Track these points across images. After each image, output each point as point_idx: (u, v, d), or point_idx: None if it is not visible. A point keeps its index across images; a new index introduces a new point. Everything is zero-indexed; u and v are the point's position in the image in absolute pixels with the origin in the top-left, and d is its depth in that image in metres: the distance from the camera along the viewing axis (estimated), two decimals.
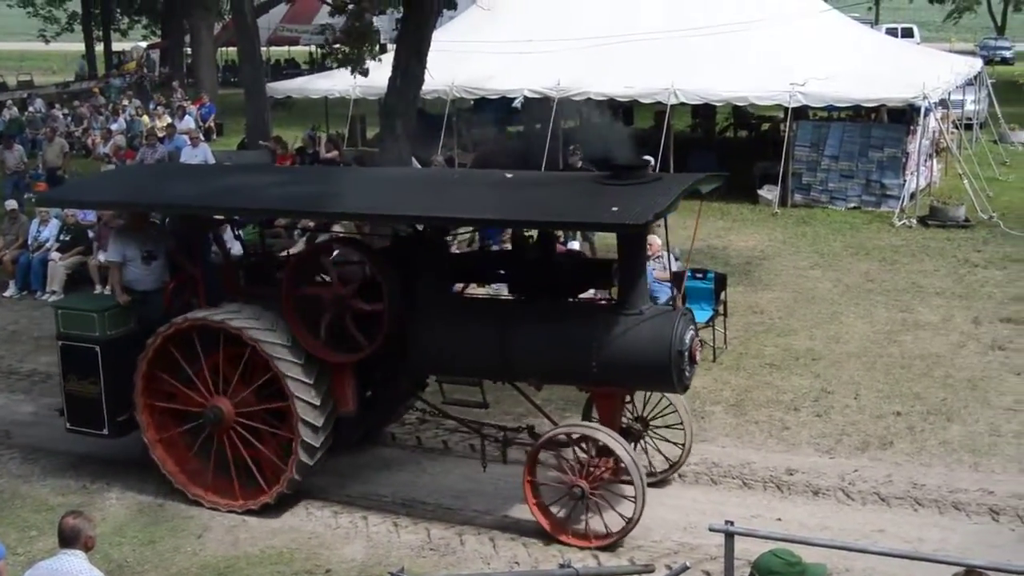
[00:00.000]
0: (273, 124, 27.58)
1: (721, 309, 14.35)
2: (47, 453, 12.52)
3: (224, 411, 10.47)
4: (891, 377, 13.57)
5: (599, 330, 9.63)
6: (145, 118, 31.23)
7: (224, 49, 45.75)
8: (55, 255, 18.81)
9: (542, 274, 10.38)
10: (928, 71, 23.21)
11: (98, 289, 18.33)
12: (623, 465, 9.71)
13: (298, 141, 25.45)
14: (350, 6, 21.10)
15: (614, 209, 9.04)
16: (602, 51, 23.54)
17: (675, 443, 10.96)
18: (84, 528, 7.28)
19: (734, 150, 25.09)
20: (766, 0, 24.64)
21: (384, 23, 22.35)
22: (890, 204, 22.04)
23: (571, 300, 10.60)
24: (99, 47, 56.68)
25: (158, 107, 32.62)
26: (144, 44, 57.63)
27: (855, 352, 14.23)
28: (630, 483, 9.76)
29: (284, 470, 10.38)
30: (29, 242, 19.22)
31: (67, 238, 19.09)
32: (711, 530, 7.94)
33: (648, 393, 10.81)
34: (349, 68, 19.65)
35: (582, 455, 10.00)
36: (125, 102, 34.66)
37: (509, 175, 11.07)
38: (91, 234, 19.05)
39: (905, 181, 22.09)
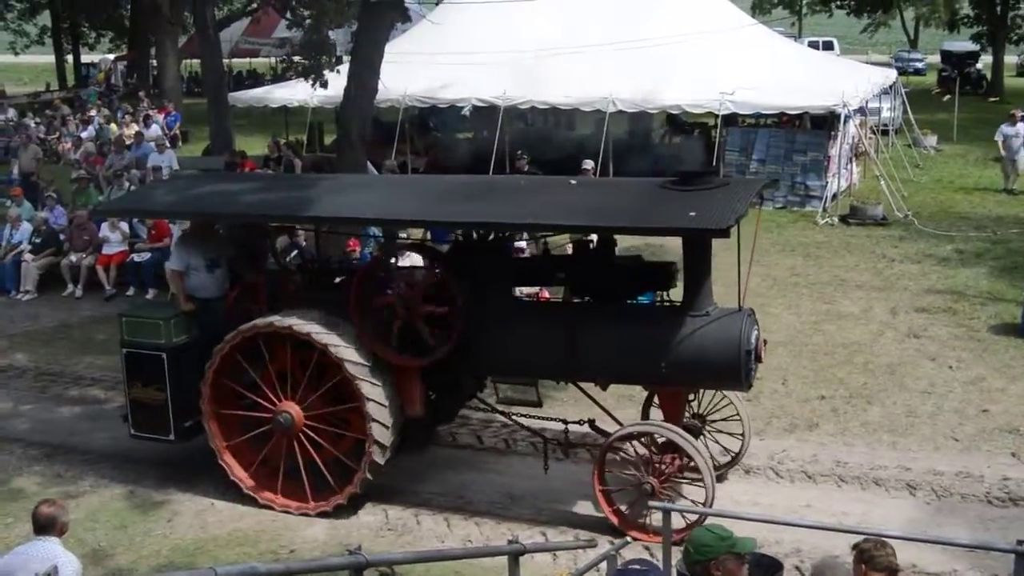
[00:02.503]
0: (235, 132, 27.31)
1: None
2: (23, 444, 12.36)
3: (294, 416, 10.09)
4: (816, 364, 13.70)
5: (668, 332, 9.42)
6: (113, 126, 30.83)
7: (188, 61, 45.21)
8: (28, 256, 18.54)
9: (602, 277, 10.09)
10: (847, 81, 23.44)
11: (69, 289, 18.15)
12: (692, 462, 9.44)
13: (264, 149, 25.24)
14: (307, 21, 20.99)
15: (692, 214, 8.86)
16: (545, 62, 23.55)
17: (735, 434, 10.74)
18: (58, 515, 7.20)
19: (669, 155, 25.14)
20: (697, 15, 24.74)
21: (340, 36, 22.19)
22: (814, 204, 22.28)
23: (632, 302, 10.33)
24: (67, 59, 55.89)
25: (126, 116, 32.21)
26: (112, 56, 56.96)
27: (783, 341, 14.35)
28: (698, 479, 9.47)
29: (355, 470, 10.04)
30: (1, 244, 18.93)
31: (39, 240, 18.83)
32: (651, 507, 7.99)
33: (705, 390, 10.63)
34: (309, 79, 19.49)
35: (646, 452, 9.70)
36: (93, 111, 34.19)
37: (573, 181, 10.84)
38: (63, 236, 18.82)
39: (827, 183, 22.35)
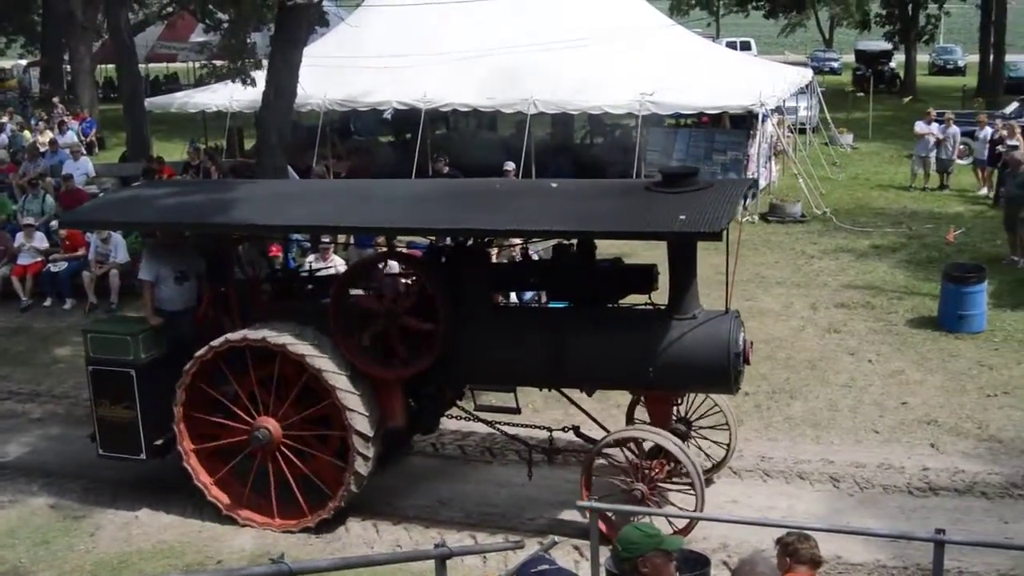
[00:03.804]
0: (152, 138, 26.95)
1: None
2: None
3: (272, 431, 9.83)
4: None
5: (655, 335, 9.30)
6: (27, 133, 30.19)
7: (103, 66, 44.47)
8: None
9: (583, 281, 9.97)
10: (765, 81, 23.76)
11: None
12: (683, 468, 9.30)
13: (183, 154, 24.89)
14: (225, 24, 20.78)
15: (682, 218, 8.70)
16: (465, 65, 23.54)
17: (720, 442, 10.67)
18: None
19: (591, 156, 25.33)
20: (617, 16, 24.92)
21: (259, 39, 21.99)
22: None
23: (613, 306, 10.09)
24: None
25: (39, 122, 31.57)
26: (24, 62, 55.79)
27: None
28: (688, 484, 9.32)
29: (336, 485, 9.83)
30: None
31: None
32: (578, 507, 8.03)
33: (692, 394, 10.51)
34: (237, 79, 19.27)
35: (634, 458, 9.54)
36: (5, 118, 33.44)
37: (554, 184, 10.64)
38: None
39: None
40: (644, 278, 9.97)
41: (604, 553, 7.16)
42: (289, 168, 18.89)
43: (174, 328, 10.59)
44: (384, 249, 14.00)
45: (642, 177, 22.00)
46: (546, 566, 5.66)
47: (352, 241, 14.76)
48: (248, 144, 26.57)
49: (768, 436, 11.78)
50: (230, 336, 9.80)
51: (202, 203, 10.92)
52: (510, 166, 19.46)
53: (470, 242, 10.21)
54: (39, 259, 17.79)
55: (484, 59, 23.29)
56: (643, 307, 9.95)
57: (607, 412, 11.18)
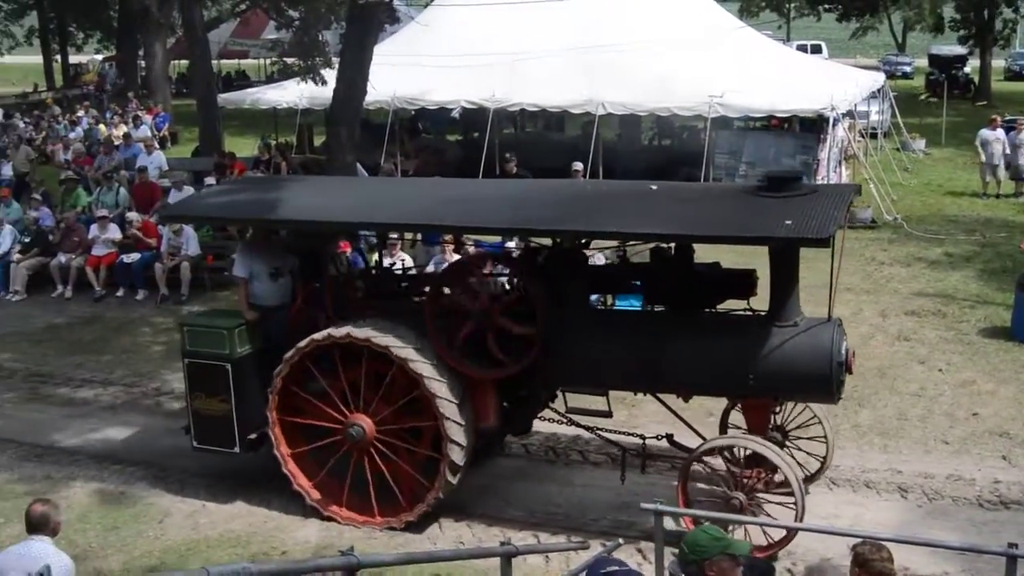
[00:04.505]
0: (225, 133, 27.31)
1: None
2: (14, 444, 12.33)
3: (365, 428, 9.84)
4: None
5: (755, 342, 9.09)
6: (102, 127, 30.76)
7: (177, 61, 45.18)
8: (16, 257, 18.49)
9: (681, 285, 9.68)
10: (836, 84, 23.51)
11: (58, 289, 18.11)
12: (782, 477, 9.09)
13: (254, 150, 25.22)
14: (296, 22, 21.01)
15: (788, 223, 8.53)
16: (534, 64, 23.55)
17: (815, 455, 10.49)
18: (51, 514, 7.18)
19: (658, 158, 25.21)
20: (687, 18, 24.83)
21: (330, 37, 22.22)
22: None
23: (711, 311, 9.82)
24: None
25: (114, 116, 32.16)
26: (100, 57, 56.88)
27: None
28: (787, 494, 9.05)
29: (427, 487, 9.76)
30: None
31: (28, 240, 18.78)
32: (643, 509, 7.99)
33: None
34: (307, 77, 19.51)
35: (732, 467, 9.35)
36: (82, 112, 34.13)
37: (654, 187, 10.46)
38: (51, 237, 18.78)
39: None
40: (743, 283, 9.73)
41: (668, 556, 7.12)
42: (358, 165, 19.04)
43: (269, 323, 10.61)
44: (453, 247, 14.21)
45: (710, 180, 21.93)
46: (615, 567, 5.63)
47: (419, 238, 14.81)
48: (318, 141, 26.82)
49: (836, 444, 11.61)
50: (332, 332, 9.72)
51: (299, 200, 10.93)
52: (578, 166, 19.43)
53: (566, 243, 10.03)
54: (113, 250, 18.13)
55: (553, 59, 23.29)
56: (742, 313, 9.73)
57: (697, 418, 10.92)
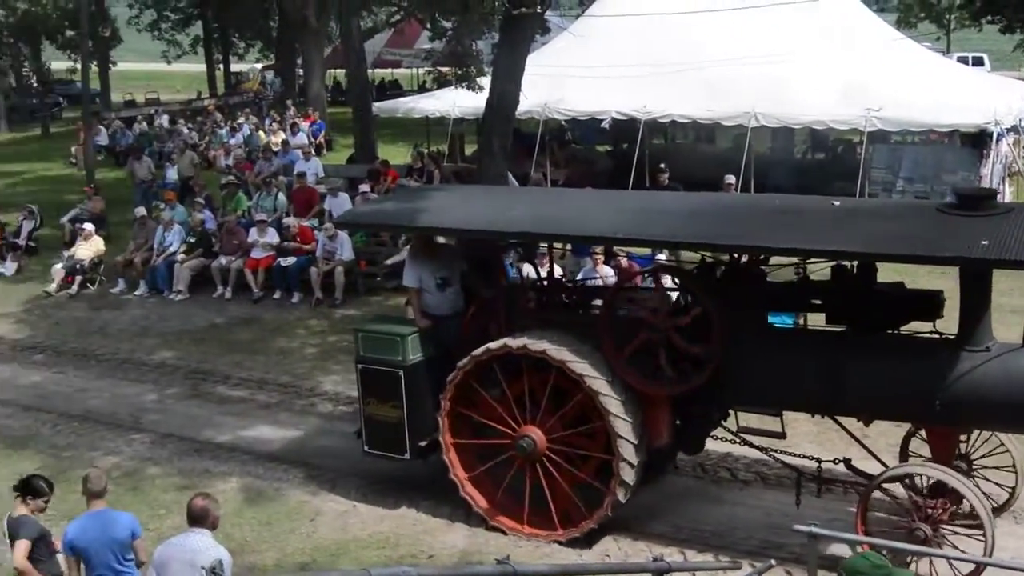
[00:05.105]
0: (379, 141, 27.83)
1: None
2: (174, 439, 12.77)
3: (536, 440, 9.79)
4: None
5: (943, 366, 8.71)
6: (261, 133, 31.68)
7: (332, 71, 46.27)
8: (180, 258, 19.16)
9: (864, 305, 9.36)
10: (1000, 98, 22.63)
11: (218, 290, 18.70)
12: (968, 508, 8.74)
13: (407, 158, 25.62)
14: (450, 32, 21.28)
15: (984, 243, 8.16)
16: (686, 75, 23.33)
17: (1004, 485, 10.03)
18: (211, 509, 7.42)
19: (812, 172, 24.69)
20: (843, 29, 24.28)
21: (482, 47, 22.47)
22: None
23: (895, 333, 9.43)
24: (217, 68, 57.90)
25: (273, 123, 33.09)
26: (260, 66, 58.64)
27: None
28: (975, 527, 8.67)
29: (602, 494, 9.63)
30: (155, 247, 19.61)
31: (193, 241, 19.43)
32: (795, 530, 7.81)
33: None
34: (462, 85, 19.76)
35: (915, 496, 8.98)
36: (242, 119, 35.21)
37: (836, 203, 10.22)
38: (214, 240, 19.40)
39: None
40: (929, 304, 9.30)
41: None
42: (509, 175, 19.15)
43: (441, 332, 10.64)
44: (601, 258, 14.16)
45: (866, 195, 21.38)
46: None
47: (570, 249, 14.81)
48: (469, 150, 27.11)
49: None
50: (509, 342, 9.70)
51: (470, 209, 10.97)
52: (730, 179, 19.16)
53: (744, 259, 9.82)
54: (271, 253, 18.64)
55: (705, 71, 23.03)
56: (928, 335, 9.34)
57: (872, 443, 10.56)
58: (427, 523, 10.36)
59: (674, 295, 10.24)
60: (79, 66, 33.40)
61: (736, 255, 9.77)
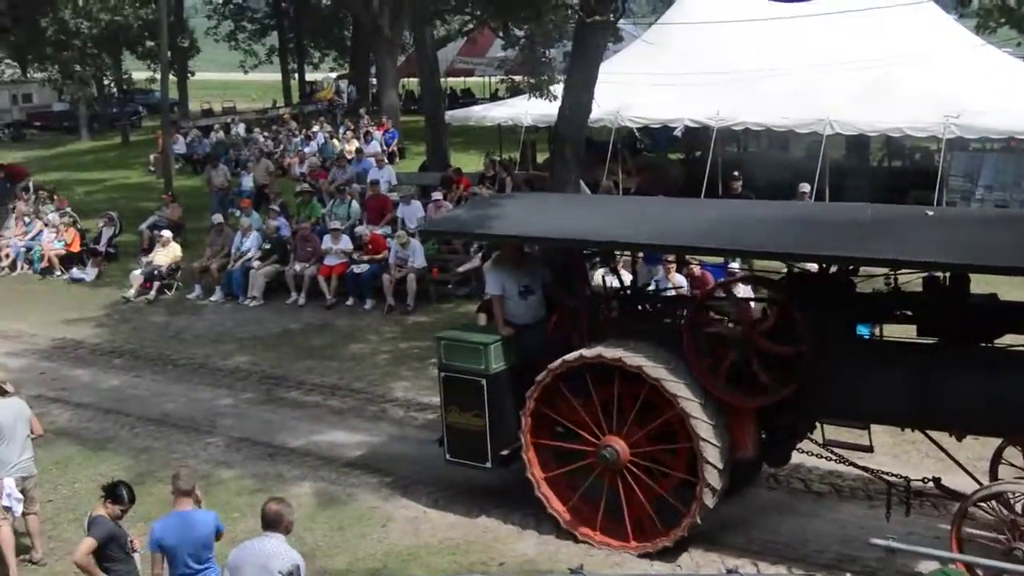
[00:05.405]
0: (451, 149, 27.96)
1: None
2: (248, 443, 12.91)
3: (619, 450, 9.70)
4: None
5: None
6: (335, 142, 31.99)
7: (405, 80, 46.60)
8: (256, 264, 19.41)
9: (956, 317, 9.09)
10: None
11: (292, 296, 18.90)
12: None
13: (479, 166, 25.71)
14: (523, 40, 21.33)
15: None
16: (759, 83, 23.14)
17: None
18: (285, 513, 7.47)
19: (888, 180, 24.31)
20: (920, 35, 23.90)
21: (557, 54, 22.50)
22: None
23: (989, 345, 9.17)
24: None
25: (347, 132, 33.40)
26: (334, 75, 59.32)
27: None
28: None
29: (680, 511, 9.53)
30: (232, 252, 19.89)
31: (268, 247, 19.67)
32: (871, 544, 7.66)
33: None
34: (535, 94, 19.80)
35: (1010, 515, 8.71)
36: (317, 127, 35.59)
37: (930, 212, 10.06)
38: (289, 246, 19.62)
39: None
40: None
41: None
42: (581, 182, 19.11)
43: (523, 341, 10.57)
44: (673, 266, 14.04)
45: (944, 204, 20.98)
46: None
47: (642, 256, 14.68)
48: (540, 157, 27.11)
49: None
50: (584, 352, 9.64)
51: (554, 217, 10.92)
52: (805, 187, 18.92)
53: (833, 269, 9.59)
54: (344, 260, 18.80)
55: (779, 78, 22.84)
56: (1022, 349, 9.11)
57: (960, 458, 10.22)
58: (497, 530, 10.34)
59: (757, 305, 10.10)
60: (158, 76, 33.97)
61: (825, 265, 9.57)
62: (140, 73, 46.98)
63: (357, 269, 18.60)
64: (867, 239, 9.10)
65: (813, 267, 9.81)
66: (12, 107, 52.92)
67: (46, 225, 23.35)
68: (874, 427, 9.98)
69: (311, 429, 13.31)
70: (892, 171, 26.21)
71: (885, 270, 9.44)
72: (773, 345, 9.26)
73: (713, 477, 9.27)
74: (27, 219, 23.89)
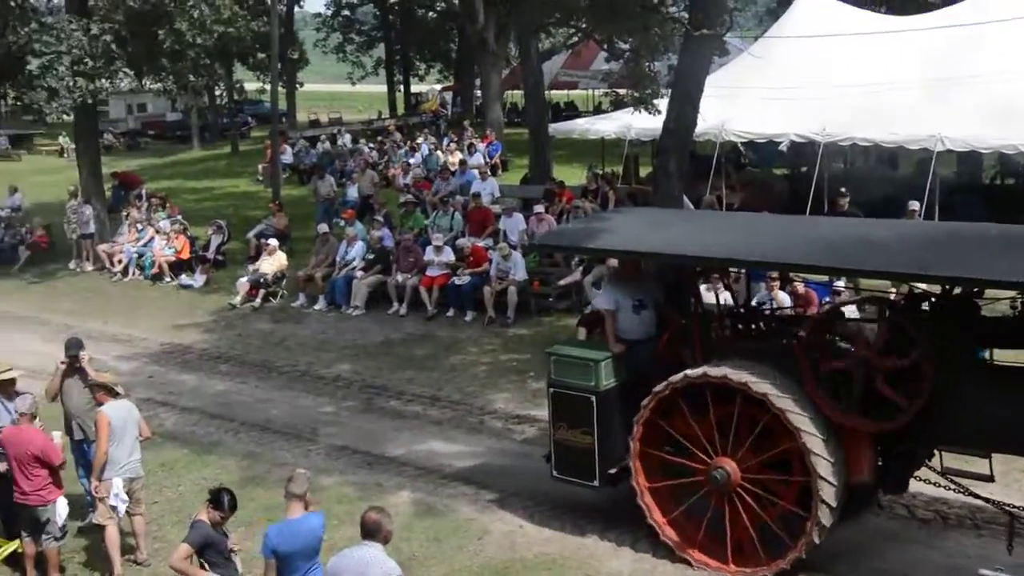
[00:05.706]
0: (553, 162, 27.97)
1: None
2: (348, 451, 13.06)
3: (730, 473, 9.55)
4: None
5: None
6: (439, 153, 32.25)
7: (509, 92, 46.84)
8: (359, 273, 19.65)
9: None
10: None
11: (394, 306, 19.08)
12: None
13: (581, 179, 25.69)
14: (628, 53, 21.25)
15: None
16: (867, 98, 22.69)
17: None
18: (384, 523, 7.52)
19: (1002, 198, 23.63)
20: None
21: (661, 67, 22.37)
22: None
23: None
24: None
25: (451, 144, 33.66)
26: (439, 87, 59.89)
27: None
28: None
29: (785, 542, 9.36)
30: (337, 261, 20.18)
31: (372, 257, 19.89)
32: (980, 574, 7.44)
33: None
34: (639, 107, 19.73)
35: None
36: (421, 139, 35.91)
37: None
38: (392, 256, 19.82)
39: None
40: None
41: None
42: (684, 197, 18.95)
43: (633, 357, 10.49)
44: (777, 284, 13.82)
45: None
46: None
47: (744, 273, 14.50)
48: (643, 171, 26.97)
49: None
50: (730, 375, 9.38)
51: (664, 233, 10.82)
52: (914, 205, 18.50)
53: (956, 291, 9.31)
54: (446, 271, 18.93)
55: (888, 93, 22.35)
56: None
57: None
58: (593, 547, 10.28)
59: (869, 326, 9.77)
60: (268, 87, 34.67)
61: (949, 287, 9.27)
62: (251, 84, 48.04)
63: (458, 280, 18.70)
64: (995, 260, 8.75)
65: (933, 287, 9.50)
66: (127, 116, 54.61)
67: (157, 232, 23.95)
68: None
69: (410, 439, 13.41)
70: (1006, 189, 25.49)
71: (1012, 293, 9.10)
72: (895, 370, 8.96)
73: (825, 515, 9.06)
74: (139, 226, 24.54)
